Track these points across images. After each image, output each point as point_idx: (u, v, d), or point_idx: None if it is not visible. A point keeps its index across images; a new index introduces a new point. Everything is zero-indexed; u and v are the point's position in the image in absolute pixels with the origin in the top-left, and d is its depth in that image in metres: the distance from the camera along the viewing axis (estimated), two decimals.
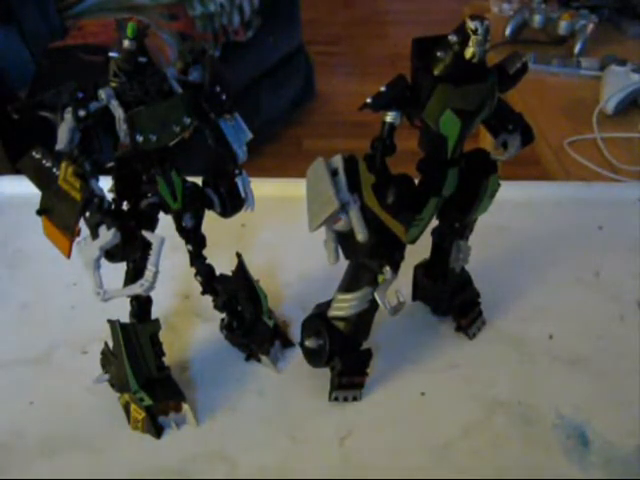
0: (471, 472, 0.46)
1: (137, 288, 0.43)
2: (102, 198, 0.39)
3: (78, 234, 0.39)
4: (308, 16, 2.37)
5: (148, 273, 0.42)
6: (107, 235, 0.39)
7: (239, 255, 0.53)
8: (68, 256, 0.40)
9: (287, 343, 0.55)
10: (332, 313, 0.48)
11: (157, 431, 0.48)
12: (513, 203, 0.68)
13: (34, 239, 0.68)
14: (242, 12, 1.89)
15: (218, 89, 0.43)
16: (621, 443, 0.48)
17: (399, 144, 0.42)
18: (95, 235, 0.39)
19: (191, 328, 0.57)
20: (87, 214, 0.39)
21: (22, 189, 0.73)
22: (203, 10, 1.74)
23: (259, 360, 0.53)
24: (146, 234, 0.42)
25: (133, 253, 0.42)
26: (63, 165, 0.38)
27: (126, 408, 0.49)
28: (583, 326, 0.57)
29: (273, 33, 2.03)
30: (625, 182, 0.88)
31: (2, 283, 0.63)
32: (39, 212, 0.39)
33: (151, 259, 0.42)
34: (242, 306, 0.52)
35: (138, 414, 0.48)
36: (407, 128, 0.43)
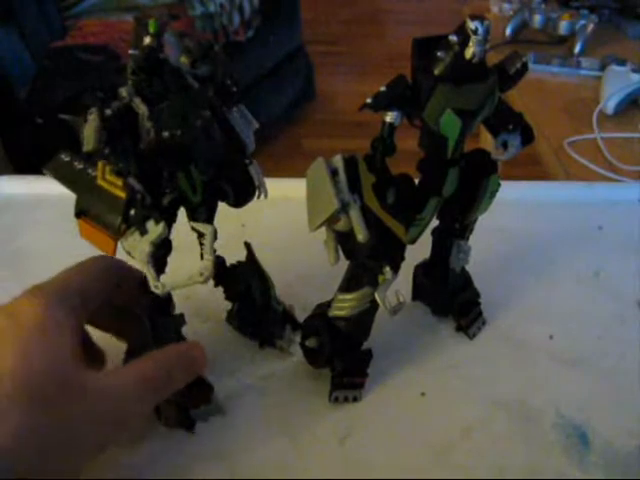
0: (471, 472, 0.46)
1: (197, 277, 0.43)
2: (144, 194, 0.39)
3: (124, 232, 0.39)
4: (308, 16, 2.38)
5: (207, 263, 0.42)
6: (157, 229, 0.39)
7: (248, 244, 0.53)
8: (113, 254, 0.40)
9: (296, 326, 0.55)
10: (332, 313, 0.48)
11: (190, 425, 0.48)
12: (513, 203, 0.67)
13: (34, 239, 0.68)
14: (242, 12, 1.89)
15: (229, 82, 0.43)
16: (621, 443, 0.48)
17: (399, 144, 0.42)
18: (144, 231, 0.39)
19: (191, 328, 0.57)
20: (132, 211, 0.39)
21: (22, 189, 0.73)
22: (203, 10, 1.74)
23: (274, 345, 0.54)
24: (196, 225, 0.42)
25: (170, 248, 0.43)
26: (100, 165, 0.38)
27: (156, 406, 0.49)
28: (583, 326, 0.58)
29: (273, 33, 2.03)
30: (625, 182, 0.89)
31: (2, 283, 0.63)
32: (78, 214, 0.40)
33: (206, 248, 0.42)
34: (255, 293, 0.53)
35: (170, 410, 0.48)
36: (407, 128, 0.43)
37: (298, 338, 0.54)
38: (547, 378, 0.53)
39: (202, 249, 0.43)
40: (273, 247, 0.65)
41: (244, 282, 0.53)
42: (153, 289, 0.41)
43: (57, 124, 0.39)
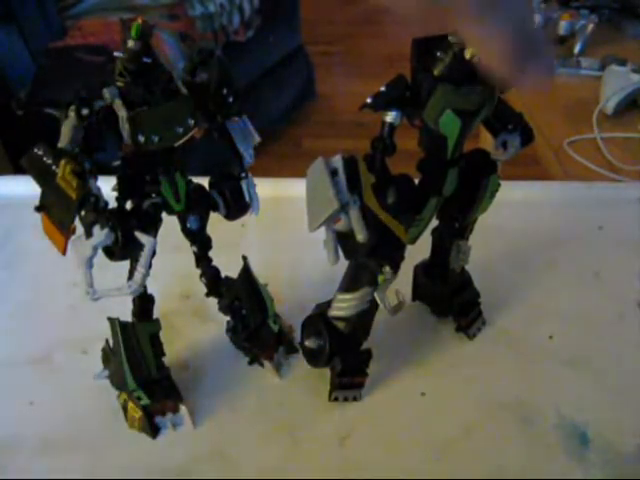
0: (471, 472, 0.46)
1: (125, 289, 0.43)
2: (97, 197, 0.39)
3: (73, 232, 0.39)
4: (308, 16, 2.37)
5: (137, 275, 0.42)
6: (100, 235, 0.39)
7: (245, 258, 0.52)
8: (63, 253, 0.40)
9: (291, 349, 0.55)
10: (332, 313, 0.48)
11: (153, 431, 0.48)
12: (513, 203, 0.67)
13: (34, 239, 0.68)
14: (242, 12, 1.89)
15: (225, 91, 0.43)
16: (621, 443, 0.48)
17: (399, 144, 0.42)
18: (89, 234, 0.39)
19: (191, 328, 0.57)
20: (82, 213, 0.39)
21: (22, 189, 0.73)
22: (203, 10, 1.74)
23: (262, 365, 0.53)
24: (139, 235, 0.42)
25: (133, 252, 0.42)
26: (62, 163, 0.38)
27: (124, 406, 0.49)
28: (583, 326, 0.57)
29: (273, 33, 2.03)
30: (625, 182, 0.88)
31: (2, 283, 0.63)
32: (37, 208, 0.40)
33: (141, 261, 0.42)
34: (246, 310, 0.52)
35: (135, 413, 0.48)
36: (407, 128, 0.43)
37: (291, 360, 0.54)
38: (547, 378, 0.53)
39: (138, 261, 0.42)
40: (273, 247, 0.66)
41: (233, 297, 0.52)
42: (85, 294, 0.41)
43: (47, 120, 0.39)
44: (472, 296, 0.57)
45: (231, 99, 0.43)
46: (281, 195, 0.70)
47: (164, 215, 0.45)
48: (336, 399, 0.50)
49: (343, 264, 0.47)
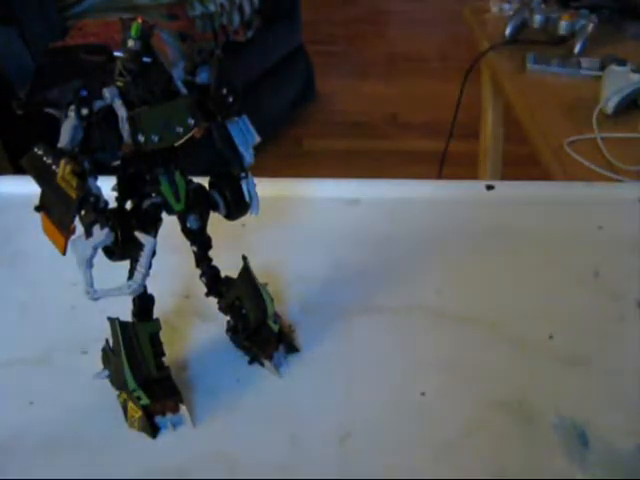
0: (471, 472, 0.46)
1: (125, 289, 0.43)
2: (98, 197, 0.39)
3: (73, 232, 0.39)
4: (308, 16, 2.38)
5: (137, 275, 0.43)
6: (100, 235, 0.39)
7: (245, 258, 0.52)
8: (63, 253, 0.40)
9: (291, 348, 0.54)
10: None
11: (153, 431, 0.48)
12: (513, 203, 0.68)
13: (34, 239, 0.68)
14: (242, 12, 1.89)
15: (225, 91, 0.43)
16: (621, 443, 0.48)
17: None
18: (89, 234, 0.40)
19: (191, 328, 0.57)
20: (82, 213, 0.39)
21: (22, 189, 0.73)
22: (203, 10, 1.74)
23: (262, 364, 0.53)
24: (139, 235, 0.42)
25: (133, 252, 0.42)
26: (62, 163, 0.38)
27: (124, 406, 0.49)
28: (583, 326, 0.57)
29: (273, 33, 2.03)
30: (625, 182, 0.88)
31: (2, 283, 0.63)
32: (37, 208, 0.40)
33: (141, 261, 0.42)
34: (246, 310, 0.52)
35: (135, 412, 0.48)
36: None
37: (290, 360, 0.54)
38: (547, 378, 0.53)
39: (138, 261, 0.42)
40: (273, 247, 0.66)
41: (233, 297, 0.52)
42: (85, 294, 0.41)
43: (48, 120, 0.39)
44: None
45: (231, 99, 0.43)
46: (281, 195, 0.70)
47: (164, 215, 0.45)
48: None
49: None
